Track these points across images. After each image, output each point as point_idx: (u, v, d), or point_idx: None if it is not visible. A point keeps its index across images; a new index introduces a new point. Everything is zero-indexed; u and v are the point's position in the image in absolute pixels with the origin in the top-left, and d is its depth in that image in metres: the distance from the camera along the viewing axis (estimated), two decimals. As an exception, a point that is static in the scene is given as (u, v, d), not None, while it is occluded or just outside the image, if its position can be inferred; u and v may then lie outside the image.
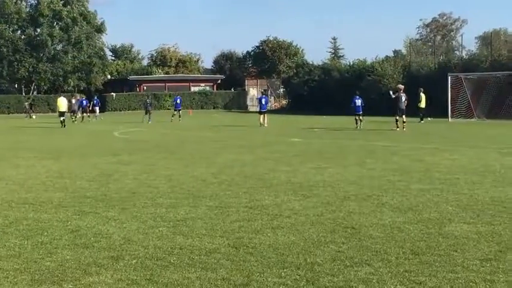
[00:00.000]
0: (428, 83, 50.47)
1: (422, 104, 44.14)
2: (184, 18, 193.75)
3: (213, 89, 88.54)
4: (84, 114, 53.91)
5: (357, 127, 36.89)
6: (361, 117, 37.59)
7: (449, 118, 46.11)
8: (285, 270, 7.25)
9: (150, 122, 48.62)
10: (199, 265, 7.50)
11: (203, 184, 14.05)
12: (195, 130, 38.37)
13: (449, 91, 47.26)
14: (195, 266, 7.45)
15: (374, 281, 6.84)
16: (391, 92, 36.80)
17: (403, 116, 34.69)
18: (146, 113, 51.52)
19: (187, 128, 41.47)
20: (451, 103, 47.12)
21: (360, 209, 10.83)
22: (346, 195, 12.30)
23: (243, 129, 38.40)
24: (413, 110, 42.05)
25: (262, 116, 42.00)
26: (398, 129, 33.95)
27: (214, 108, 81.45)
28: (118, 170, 16.93)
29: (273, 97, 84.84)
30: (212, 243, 8.53)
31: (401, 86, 37.09)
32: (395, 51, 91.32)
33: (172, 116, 51.00)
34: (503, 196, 11.93)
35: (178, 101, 52.92)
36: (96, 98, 62.55)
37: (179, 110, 51.84)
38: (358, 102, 38.37)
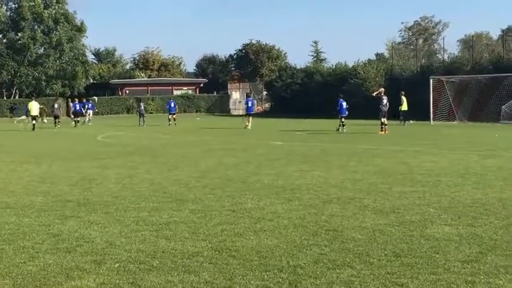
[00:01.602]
0: (410, 86, 50.64)
1: (404, 107, 44.28)
2: (167, 21, 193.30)
3: (196, 93, 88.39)
4: (77, 118, 53.20)
5: (338, 129, 36.89)
6: (343, 120, 37.58)
7: (431, 121, 46.35)
8: (267, 273, 7.28)
9: (144, 126, 48.83)
10: (182, 268, 7.50)
11: (186, 188, 14.05)
12: (178, 134, 38.30)
13: (431, 94, 47.51)
14: (178, 270, 7.46)
15: (356, 283, 6.88)
16: (375, 94, 36.99)
17: (384, 119, 34.90)
18: (140, 117, 51.70)
19: (170, 131, 41.41)
20: (433, 106, 47.36)
21: (342, 211, 10.87)
22: (328, 198, 12.34)
23: (226, 133, 38.39)
24: (393, 113, 42.28)
25: (248, 118, 42.37)
26: (382, 132, 34.07)
27: (197, 111, 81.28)
28: (100, 174, 16.90)
29: (255, 100, 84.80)
30: (195, 246, 8.54)
31: (382, 89, 37.26)
32: (377, 55, 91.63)
33: (169, 121, 51.09)
34: (484, 198, 12.02)
35: (172, 104, 53.02)
36: (90, 101, 62.54)
37: (173, 114, 51.92)
38: (343, 104, 38.48)
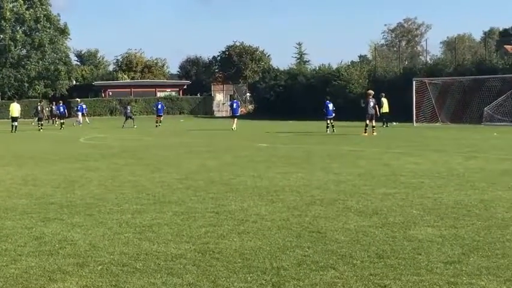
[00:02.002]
0: (393, 88, 50.90)
1: (385, 109, 44.40)
2: (150, 23, 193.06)
3: (179, 95, 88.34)
4: (62, 120, 53.00)
5: (327, 131, 37.11)
6: (332, 122, 37.85)
7: (414, 123, 46.54)
8: (251, 275, 7.27)
9: (134, 127, 49.11)
10: (165, 271, 7.48)
11: (169, 190, 14.02)
12: (161, 136, 38.24)
13: (414, 96, 47.70)
14: (161, 272, 7.44)
15: (339, 284, 6.89)
16: (362, 101, 37.12)
17: (373, 121, 35.08)
18: (127, 119, 52.11)
19: (153, 133, 41.34)
20: (415, 108, 47.55)
21: (325, 213, 10.89)
22: (312, 199, 12.35)
23: (210, 135, 38.37)
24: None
25: (234, 120, 42.81)
26: (366, 134, 34.17)
27: (180, 113, 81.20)
28: (83, 176, 16.83)
29: (240, 102, 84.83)
30: (178, 248, 8.52)
31: (371, 92, 37.46)
32: (361, 56, 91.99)
33: (156, 122, 51.31)
34: (466, 200, 12.08)
35: (159, 106, 53.34)
36: (81, 104, 62.65)
37: (160, 116, 52.17)
38: (330, 106, 38.71)
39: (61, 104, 56.04)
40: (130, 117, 52.36)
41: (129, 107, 56.13)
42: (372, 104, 35.94)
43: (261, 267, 7.55)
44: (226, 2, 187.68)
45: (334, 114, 38.49)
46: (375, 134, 34.16)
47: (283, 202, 12.10)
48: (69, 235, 9.45)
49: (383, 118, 43.96)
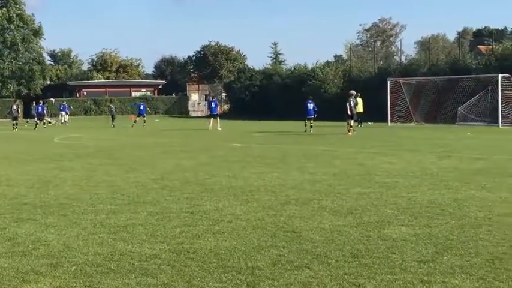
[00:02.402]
0: (368, 88, 51.06)
1: (360, 109, 44.53)
2: (125, 23, 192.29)
3: (155, 94, 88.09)
4: (39, 121, 52.62)
5: (308, 131, 37.26)
6: (311, 122, 37.99)
7: (389, 122, 46.77)
8: (225, 274, 7.26)
9: (113, 127, 49.28)
10: (139, 271, 7.45)
11: (144, 190, 13.97)
12: (136, 136, 38.10)
13: (389, 96, 47.93)
14: (136, 272, 7.41)
15: (314, 284, 6.90)
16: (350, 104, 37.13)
17: (351, 121, 35.29)
18: (113, 119, 52.45)
19: (129, 133, 41.17)
20: (390, 107, 47.79)
21: (300, 213, 10.90)
22: (287, 199, 12.37)
23: (185, 135, 38.28)
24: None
25: (212, 119, 42.96)
26: (350, 133, 34.47)
27: (155, 113, 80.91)
28: (57, 176, 16.72)
29: (217, 101, 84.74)
30: (153, 248, 8.49)
31: (353, 92, 37.67)
32: (336, 56, 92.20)
33: (137, 122, 51.47)
34: (440, 199, 12.16)
35: (142, 107, 53.74)
36: (64, 103, 62.74)
37: (143, 116, 52.39)
38: (310, 106, 38.88)
39: (40, 104, 55.72)
40: (113, 117, 52.97)
41: (112, 106, 56.31)
42: (352, 103, 36.22)
43: (235, 267, 7.54)
44: (200, 1, 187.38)
45: (315, 115, 38.61)
46: (350, 133, 34.31)
47: (258, 202, 12.10)
48: (43, 236, 9.38)
49: (358, 118, 44.11)
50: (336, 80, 61.28)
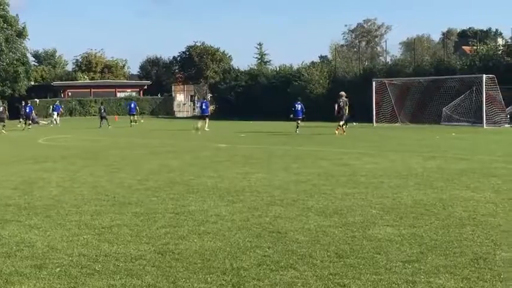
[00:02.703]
0: (353, 88, 51.13)
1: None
2: (110, 23, 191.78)
3: (140, 95, 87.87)
4: (27, 122, 52.26)
5: (296, 131, 37.46)
6: (299, 122, 38.28)
7: (374, 123, 46.87)
8: (210, 275, 7.26)
9: (101, 127, 49.26)
10: (124, 272, 7.44)
11: (129, 190, 13.94)
12: (121, 136, 38.00)
13: (374, 96, 48.03)
14: (120, 273, 7.39)
15: (299, 284, 6.91)
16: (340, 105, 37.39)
17: (341, 122, 35.79)
18: (102, 119, 52.12)
19: (114, 134, 41.05)
20: (375, 108, 47.89)
21: (285, 213, 10.91)
22: (272, 200, 12.37)
23: (170, 135, 38.20)
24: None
25: (202, 120, 43.11)
26: (337, 132, 34.78)
27: (141, 114, 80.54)
28: (42, 177, 16.65)
29: (208, 102, 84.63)
30: (138, 249, 8.47)
31: (342, 93, 37.90)
32: (321, 57, 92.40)
33: (131, 122, 52.04)
34: (425, 199, 12.20)
35: (132, 105, 54.58)
36: (56, 103, 62.72)
37: (133, 115, 53.06)
38: (299, 107, 39.42)
39: (28, 105, 55.48)
40: (105, 117, 52.68)
41: (102, 107, 56.33)
42: (341, 104, 36.47)
43: (221, 268, 7.53)
44: (185, 2, 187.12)
45: (303, 116, 38.99)
46: (336, 133, 34.44)
47: (243, 202, 12.10)
48: (27, 237, 9.34)
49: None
50: (321, 81, 61.33)
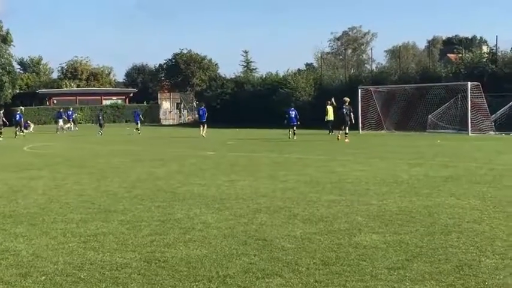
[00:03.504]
0: (339, 96, 51.21)
1: (330, 117, 44.70)
2: (96, 31, 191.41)
3: (126, 102, 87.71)
4: (17, 129, 51.94)
5: (290, 138, 38.28)
6: (295, 129, 38.67)
7: (360, 130, 46.94)
8: (196, 283, 7.26)
9: (101, 135, 49.74)
10: (110, 280, 7.42)
11: (115, 198, 13.90)
12: (107, 144, 37.88)
13: (360, 104, 48.12)
14: (106, 281, 7.37)
15: (285, 292, 6.92)
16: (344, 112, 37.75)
17: (347, 128, 36.40)
18: (101, 126, 52.67)
19: (100, 142, 40.93)
20: (361, 115, 47.96)
21: (271, 221, 10.92)
22: (258, 207, 12.38)
23: (157, 143, 38.15)
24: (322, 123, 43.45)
25: (202, 126, 43.83)
26: (347, 140, 35.24)
27: (126, 122, 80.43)
28: (27, 185, 16.58)
29: (186, 110, 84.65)
30: (123, 257, 8.46)
31: (346, 99, 38.18)
32: (307, 64, 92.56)
33: (137, 130, 52.55)
34: (410, 206, 12.24)
35: (135, 114, 55.31)
36: (71, 109, 63.12)
37: (137, 123, 53.57)
38: (293, 114, 40.04)
39: (17, 112, 55.28)
40: (102, 124, 53.32)
41: (101, 114, 56.78)
42: (345, 111, 37.13)
43: (207, 276, 7.53)
44: (173, 10, 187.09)
45: (298, 122, 39.78)
46: (346, 140, 35.05)
47: (229, 210, 12.09)
48: (12, 245, 9.30)
49: (328, 126, 44.31)
50: (307, 88, 61.46)
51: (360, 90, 48.89)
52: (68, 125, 60.35)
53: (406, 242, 9.09)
